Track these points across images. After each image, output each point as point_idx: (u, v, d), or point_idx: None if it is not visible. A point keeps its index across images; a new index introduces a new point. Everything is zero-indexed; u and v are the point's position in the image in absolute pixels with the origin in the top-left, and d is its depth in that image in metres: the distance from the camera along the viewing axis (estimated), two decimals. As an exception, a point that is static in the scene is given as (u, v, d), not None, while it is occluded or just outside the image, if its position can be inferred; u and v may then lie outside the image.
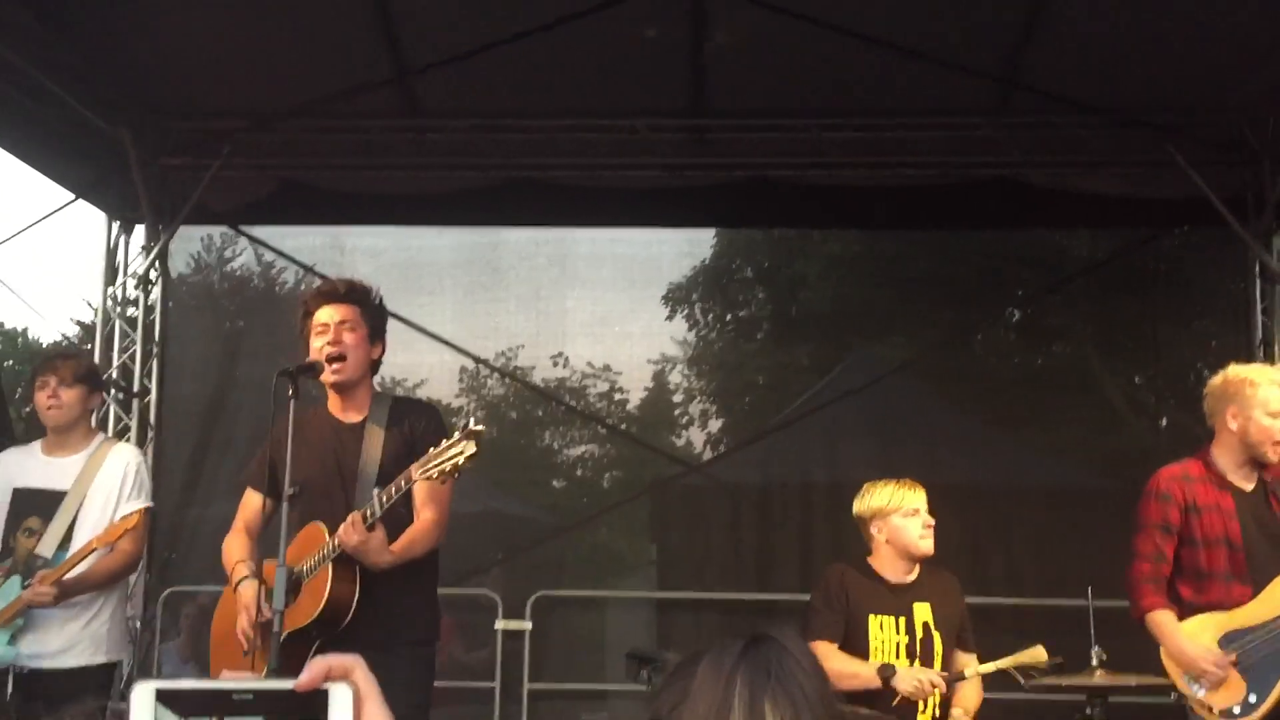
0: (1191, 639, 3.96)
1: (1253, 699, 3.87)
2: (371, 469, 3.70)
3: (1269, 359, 6.65)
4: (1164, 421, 8.77)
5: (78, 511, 4.29)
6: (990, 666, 4.09)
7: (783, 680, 1.34)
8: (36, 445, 4.52)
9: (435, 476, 3.29)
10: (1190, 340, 8.45)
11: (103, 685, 4.34)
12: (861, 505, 4.34)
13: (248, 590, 3.66)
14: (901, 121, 6.56)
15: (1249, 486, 4.12)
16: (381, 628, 3.56)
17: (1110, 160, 6.61)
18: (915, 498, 4.27)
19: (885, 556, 4.28)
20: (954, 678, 4.08)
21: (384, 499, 3.42)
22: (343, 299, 3.83)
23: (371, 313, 3.89)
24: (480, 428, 3.23)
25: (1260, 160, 6.51)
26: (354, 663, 0.94)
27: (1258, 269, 6.80)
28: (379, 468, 3.70)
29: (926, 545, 4.24)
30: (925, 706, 4.15)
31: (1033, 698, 4.33)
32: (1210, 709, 3.92)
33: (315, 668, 0.92)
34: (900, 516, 4.24)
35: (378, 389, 4.01)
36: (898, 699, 4.05)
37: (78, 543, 4.26)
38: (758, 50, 6.26)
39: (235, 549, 3.86)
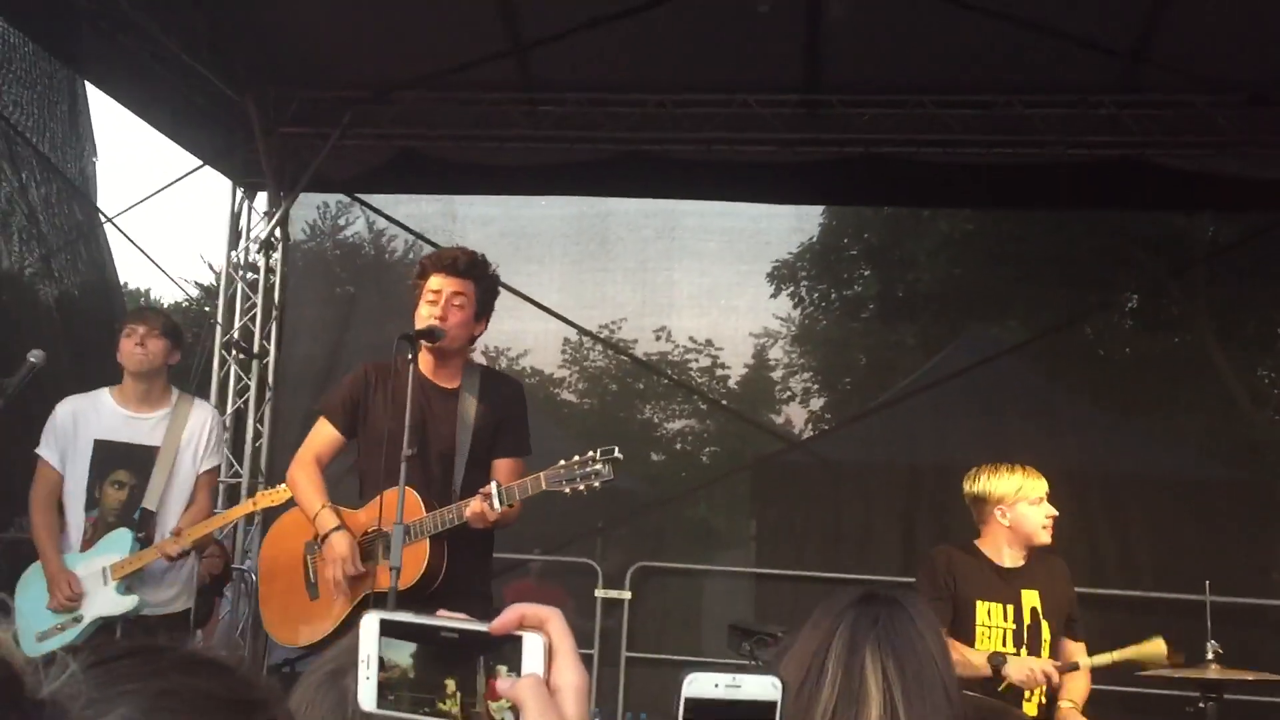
0: None
1: None
2: (466, 440, 3.80)
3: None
4: (1286, 413, 8.48)
5: (171, 467, 4.46)
6: (1105, 659, 4.00)
7: (890, 632, 1.35)
8: (104, 396, 4.54)
9: (568, 492, 3.37)
10: (1318, 330, 8.13)
11: (186, 627, 4.61)
12: (981, 487, 4.22)
13: (341, 543, 3.73)
14: (1021, 98, 6.41)
15: None
16: (454, 583, 3.69)
17: (1238, 141, 6.37)
18: (1041, 486, 4.18)
19: (998, 540, 4.20)
20: (1066, 668, 4.01)
21: (504, 497, 3.50)
22: (461, 272, 3.85)
23: (484, 290, 3.92)
24: (620, 457, 3.31)
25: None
26: (550, 614, 0.95)
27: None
28: (471, 440, 3.80)
29: (1047, 536, 4.16)
30: (1032, 694, 4.09)
31: (1144, 690, 4.24)
32: None
33: (510, 614, 0.94)
34: (1027, 504, 4.15)
35: (471, 359, 4.08)
36: (1005, 684, 4.00)
37: (172, 495, 4.45)
38: (873, 24, 6.17)
39: (310, 487, 3.91)
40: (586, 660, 6.77)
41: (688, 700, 1.02)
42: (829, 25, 6.14)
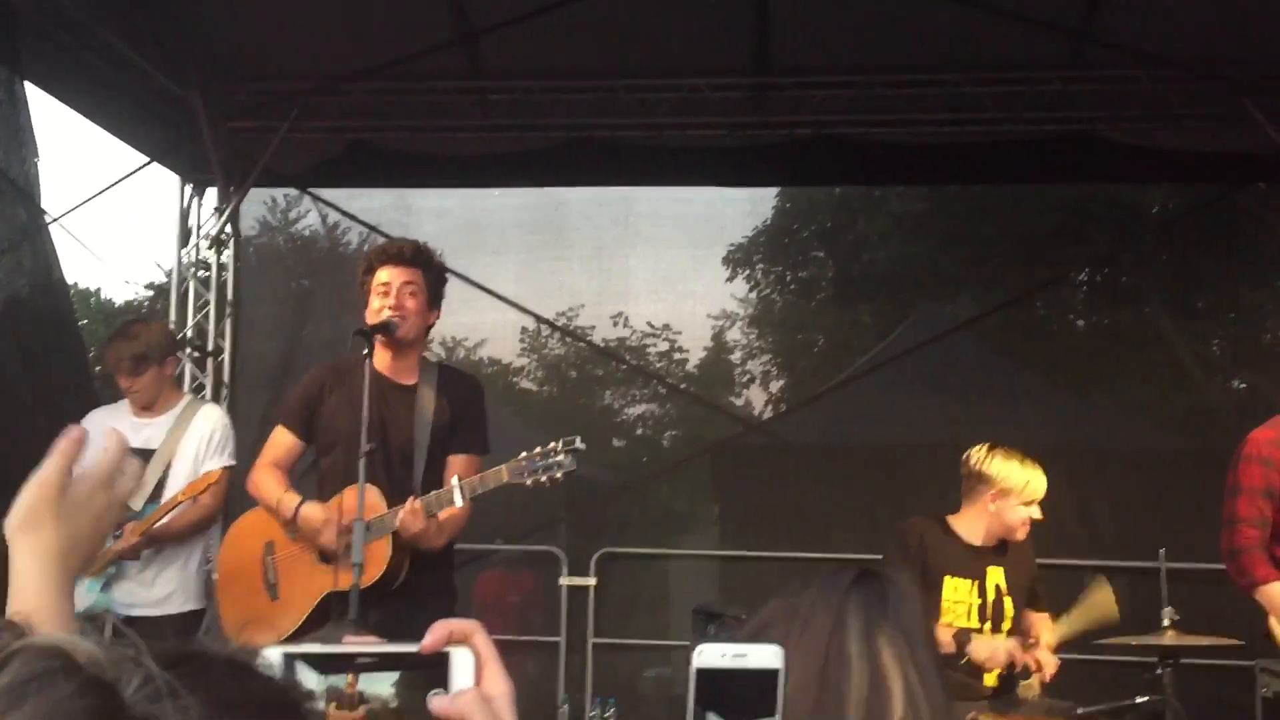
0: None
1: None
2: (424, 437, 3.77)
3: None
4: (1237, 382, 8.63)
5: (166, 468, 4.43)
6: (1064, 630, 4.05)
7: (897, 615, 1.36)
8: (124, 405, 4.61)
9: (529, 484, 3.36)
10: (1270, 297, 8.27)
11: (191, 630, 4.51)
12: (990, 469, 4.12)
13: (316, 512, 3.69)
14: (971, 76, 6.45)
15: None
16: (418, 580, 3.67)
17: (1185, 115, 6.46)
18: (1041, 489, 4.11)
19: (976, 522, 4.20)
20: (1029, 645, 4.06)
21: (466, 491, 3.48)
22: (408, 262, 3.83)
23: (433, 278, 3.90)
24: (583, 446, 3.30)
25: (1341, 113, 6.33)
26: (474, 627, 0.96)
27: (1337, 225, 6.64)
28: (430, 436, 3.77)
29: (1023, 535, 4.17)
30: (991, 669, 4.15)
31: (1103, 658, 4.31)
32: None
33: (438, 631, 0.94)
34: (1023, 504, 4.14)
35: (427, 355, 4.05)
36: (965, 659, 4.05)
37: (166, 497, 4.40)
38: (821, 6, 6.19)
39: (271, 482, 3.86)
40: (554, 648, 6.83)
41: (699, 671, 1.06)
42: (776, 7, 6.16)
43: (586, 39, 6.35)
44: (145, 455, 4.40)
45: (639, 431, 10.27)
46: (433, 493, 3.57)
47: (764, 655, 1.06)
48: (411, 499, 3.56)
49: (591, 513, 8.20)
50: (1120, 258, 8.32)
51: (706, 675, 1.06)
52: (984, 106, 6.51)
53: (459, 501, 3.50)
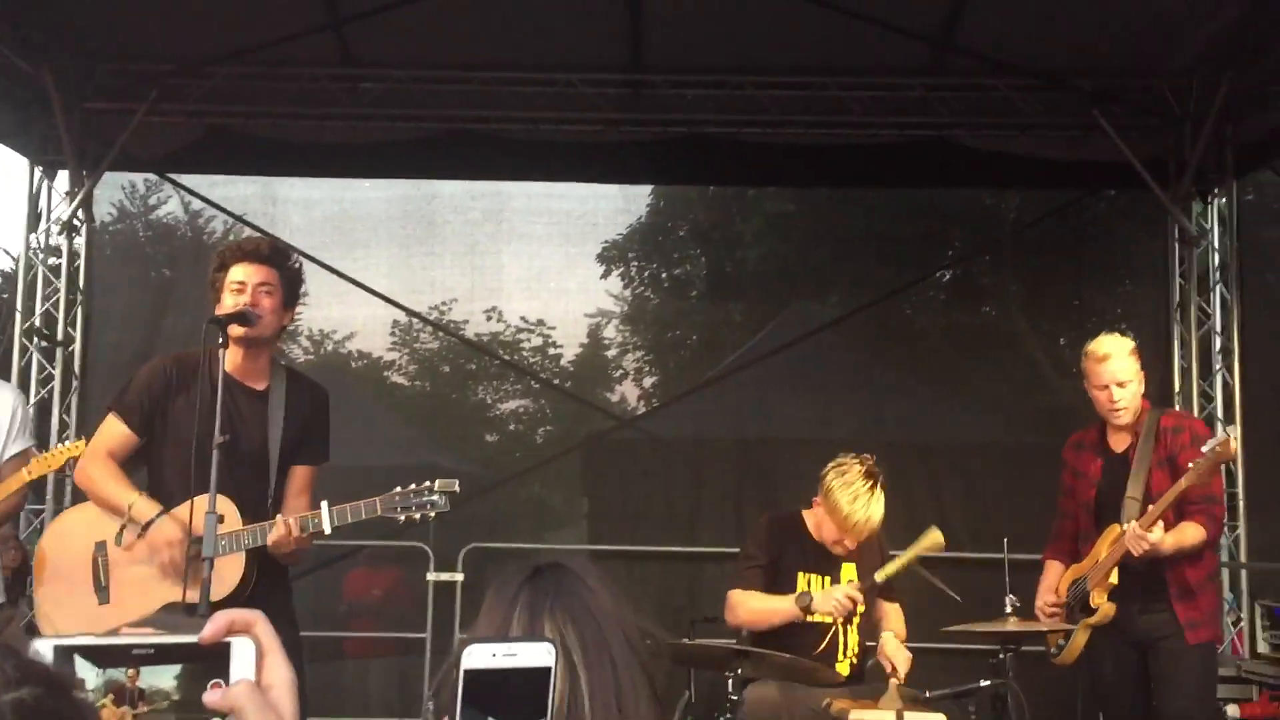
0: (1045, 585, 4.44)
1: (1062, 641, 4.33)
2: (276, 446, 3.70)
3: (1184, 320, 6.87)
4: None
5: None
6: (894, 565, 4.18)
7: (563, 597, 1.38)
8: None
9: (402, 520, 3.36)
10: (1113, 302, 8.66)
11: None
12: (828, 479, 4.20)
13: (171, 526, 3.53)
14: (838, 80, 6.61)
15: (1120, 448, 4.37)
16: (261, 602, 3.61)
17: (1038, 123, 6.73)
18: (854, 533, 4.17)
19: (821, 521, 4.31)
20: (867, 586, 4.17)
21: (334, 519, 3.44)
22: (264, 260, 3.72)
23: (289, 278, 3.80)
24: (458, 490, 3.31)
25: (1181, 126, 6.67)
26: (255, 617, 0.95)
27: (1176, 232, 6.98)
28: (280, 449, 3.71)
29: (838, 550, 4.28)
30: (844, 654, 4.27)
31: (950, 646, 4.48)
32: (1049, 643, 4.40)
33: (218, 621, 0.93)
34: (843, 530, 4.21)
35: (277, 359, 3.96)
36: (820, 646, 4.16)
37: None
38: (696, 7, 6.27)
39: (112, 480, 3.68)
40: (420, 645, 6.76)
41: (467, 673, 1.03)
42: (650, 5, 6.21)
43: (461, 30, 6.31)
44: None
45: (511, 427, 10.20)
46: (306, 514, 3.51)
47: (535, 653, 1.03)
48: (282, 519, 3.49)
49: (461, 508, 8.11)
50: (979, 260, 8.62)
51: (476, 676, 1.02)
52: (850, 110, 6.67)
53: (327, 529, 3.45)
